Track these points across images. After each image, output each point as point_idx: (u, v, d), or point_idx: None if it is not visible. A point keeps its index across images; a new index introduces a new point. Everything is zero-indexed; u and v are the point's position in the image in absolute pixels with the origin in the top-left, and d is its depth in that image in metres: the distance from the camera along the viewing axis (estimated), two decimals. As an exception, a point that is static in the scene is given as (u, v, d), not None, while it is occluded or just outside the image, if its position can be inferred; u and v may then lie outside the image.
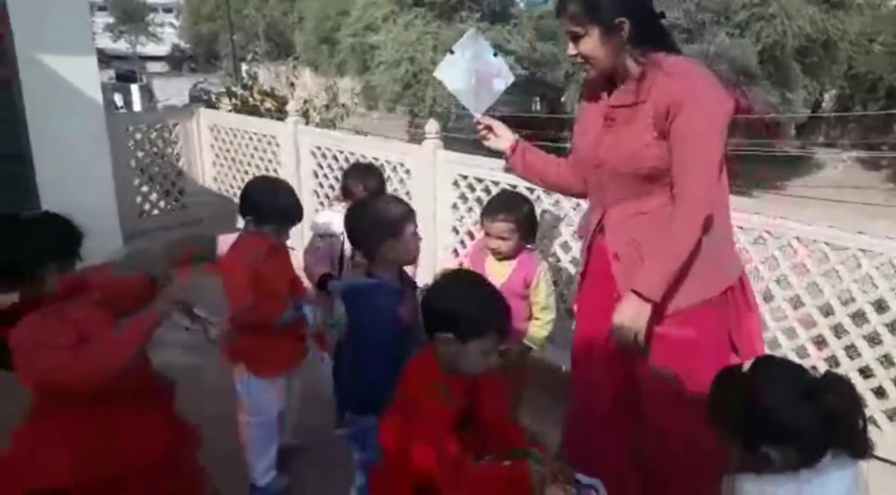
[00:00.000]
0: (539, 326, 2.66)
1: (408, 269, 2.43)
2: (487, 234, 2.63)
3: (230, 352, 2.61)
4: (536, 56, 20.49)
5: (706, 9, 19.39)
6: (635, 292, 1.90)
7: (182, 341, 2.42)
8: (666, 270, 1.89)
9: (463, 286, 1.81)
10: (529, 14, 21.80)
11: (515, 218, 2.57)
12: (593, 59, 1.93)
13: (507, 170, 2.30)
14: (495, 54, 2.13)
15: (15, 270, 1.75)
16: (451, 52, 2.19)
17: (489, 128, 2.23)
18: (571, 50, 1.96)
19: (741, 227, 2.77)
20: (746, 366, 1.33)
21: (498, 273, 2.62)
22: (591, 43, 1.90)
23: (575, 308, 3.23)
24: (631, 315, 1.91)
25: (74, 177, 4.43)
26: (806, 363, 2.72)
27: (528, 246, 2.72)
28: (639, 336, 1.92)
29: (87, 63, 4.54)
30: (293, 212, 2.53)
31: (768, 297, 2.81)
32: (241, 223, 2.59)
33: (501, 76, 2.14)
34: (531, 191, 3.21)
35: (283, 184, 2.66)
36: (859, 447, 1.25)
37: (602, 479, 2.04)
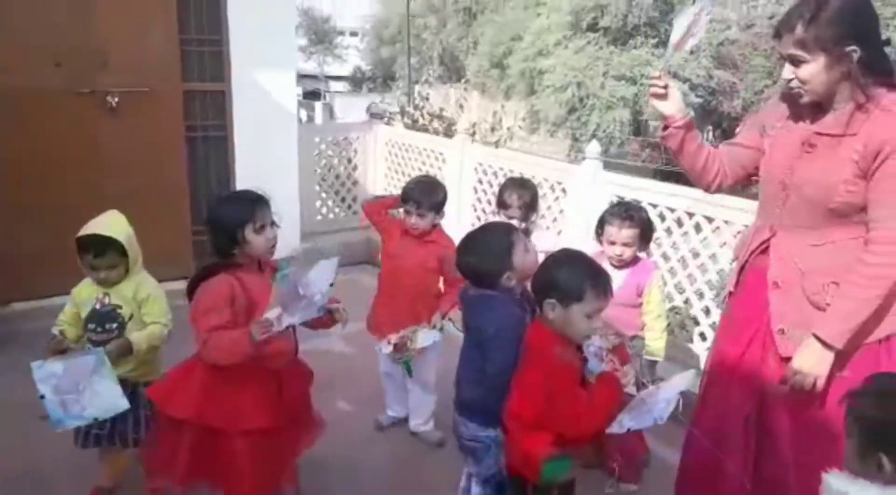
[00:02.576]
0: (656, 337, 2.71)
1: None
2: (612, 243, 2.70)
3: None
4: (713, 84, 19.68)
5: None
6: (818, 338, 1.84)
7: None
8: (852, 315, 1.81)
9: (559, 257, 1.96)
10: (709, 41, 21.01)
11: (640, 225, 2.69)
12: (811, 86, 1.84)
13: (663, 138, 2.15)
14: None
15: (220, 237, 2.17)
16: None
17: (665, 87, 2.06)
18: (788, 73, 1.87)
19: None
20: None
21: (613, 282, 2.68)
22: (814, 69, 1.81)
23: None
24: (812, 361, 1.85)
25: (267, 178, 4.89)
26: None
27: (640, 254, 2.80)
28: (818, 381, 1.86)
29: (288, 79, 5.14)
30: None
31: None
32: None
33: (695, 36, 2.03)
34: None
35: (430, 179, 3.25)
36: None
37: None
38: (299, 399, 2.40)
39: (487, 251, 2.14)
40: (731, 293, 2.20)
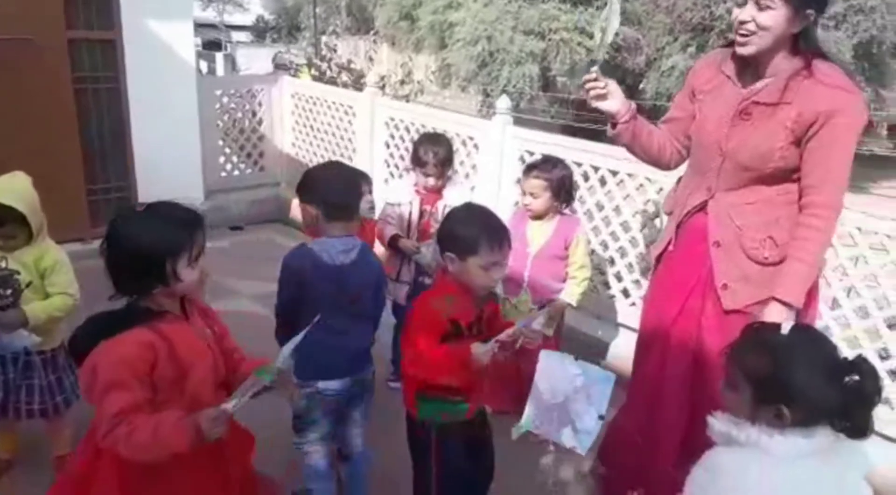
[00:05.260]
0: (576, 283, 2.89)
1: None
2: (523, 193, 2.87)
3: None
4: (618, 40, 20.09)
5: (800, -2, 18.55)
6: (779, 301, 1.93)
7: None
8: (809, 277, 1.94)
9: (460, 212, 2.02)
10: (613, -4, 21.36)
11: (547, 177, 2.79)
12: (763, 34, 1.88)
13: (614, 135, 2.16)
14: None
15: (137, 271, 1.55)
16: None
17: (604, 87, 2.05)
18: (745, 15, 1.89)
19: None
20: (785, 328, 1.41)
21: (538, 235, 2.87)
22: (776, 17, 1.85)
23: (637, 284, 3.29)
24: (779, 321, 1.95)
25: (165, 133, 4.77)
26: (856, 353, 2.73)
27: (566, 211, 2.90)
28: None
29: (184, 28, 4.86)
30: None
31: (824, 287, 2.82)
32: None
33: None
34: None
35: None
36: (860, 428, 1.33)
37: (657, 460, 2.17)
38: (246, 475, 1.82)
39: (351, 175, 2.34)
40: (664, 251, 2.26)
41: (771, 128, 1.92)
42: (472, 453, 2.11)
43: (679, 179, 2.32)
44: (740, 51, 1.95)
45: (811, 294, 2.07)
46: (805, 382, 1.34)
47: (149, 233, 1.55)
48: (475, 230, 1.88)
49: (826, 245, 1.96)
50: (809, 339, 1.42)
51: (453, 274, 1.92)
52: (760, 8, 1.86)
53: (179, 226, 1.58)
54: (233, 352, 1.78)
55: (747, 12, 1.89)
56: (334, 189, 2.18)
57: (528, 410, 1.83)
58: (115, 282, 1.58)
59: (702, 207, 2.11)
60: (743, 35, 1.92)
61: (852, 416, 1.33)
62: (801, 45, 1.89)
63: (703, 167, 2.12)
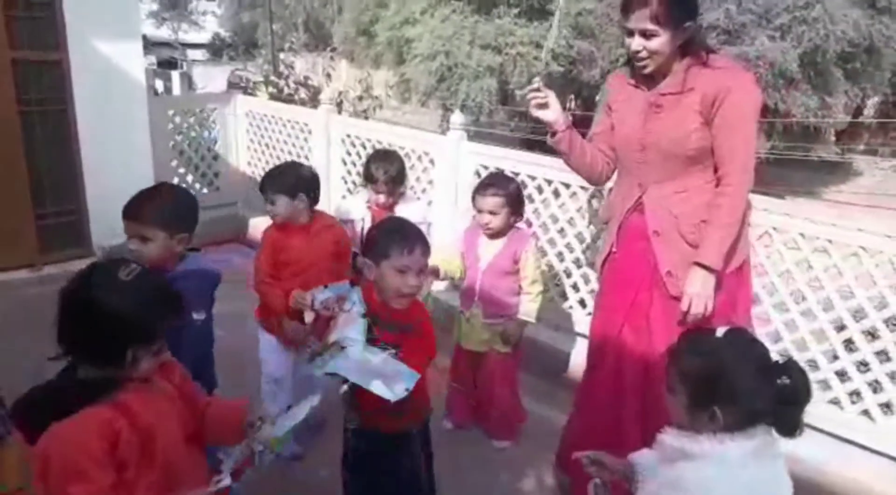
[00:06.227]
0: (531, 300, 2.85)
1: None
2: (479, 211, 2.81)
3: (257, 310, 2.84)
4: (573, 53, 20.39)
5: (747, 10, 19.10)
6: (700, 265, 2.10)
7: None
8: (723, 241, 2.10)
9: (379, 223, 2.16)
10: (568, 11, 21.70)
11: (505, 192, 2.77)
12: (658, 55, 2.11)
13: (554, 143, 2.35)
14: None
15: (94, 347, 1.40)
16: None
17: (545, 97, 2.26)
18: (636, 45, 2.11)
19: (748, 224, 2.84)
20: (720, 332, 1.45)
21: (488, 251, 2.85)
22: (662, 41, 2.08)
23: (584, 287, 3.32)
24: (700, 284, 2.11)
25: (116, 155, 4.67)
26: (805, 356, 2.80)
27: (518, 224, 2.89)
28: (708, 303, 2.11)
29: (133, 47, 4.77)
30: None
31: (772, 291, 2.89)
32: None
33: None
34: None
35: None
36: (791, 427, 1.38)
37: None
38: None
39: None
40: (608, 254, 2.37)
41: (681, 113, 2.12)
42: (391, 468, 2.05)
43: (610, 190, 2.46)
44: (643, 72, 2.18)
45: (743, 281, 2.22)
46: (738, 383, 1.38)
47: (126, 311, 1.37)
48: (387, 235, 1.96)
49: (739, 210, 2.12)
50: (742, 342, 1.46)
51: (374, 282, 1.95)
52: (647, 38, 2.09)
53: (162, 314, 1.42)
54: (195, 396, 1.66)
55: (637, 43, 2.11)
56: (195, 208, 2.36)
57: (338, 361, 1.80)
58: (59, 339, 1.38)
59: (637, 206, 2.25)
60: (640, 60, 2.15)
61: (784, 416, 1.37)
62: (691, 48, 2.13)
63: (629, 166, 2.29)
